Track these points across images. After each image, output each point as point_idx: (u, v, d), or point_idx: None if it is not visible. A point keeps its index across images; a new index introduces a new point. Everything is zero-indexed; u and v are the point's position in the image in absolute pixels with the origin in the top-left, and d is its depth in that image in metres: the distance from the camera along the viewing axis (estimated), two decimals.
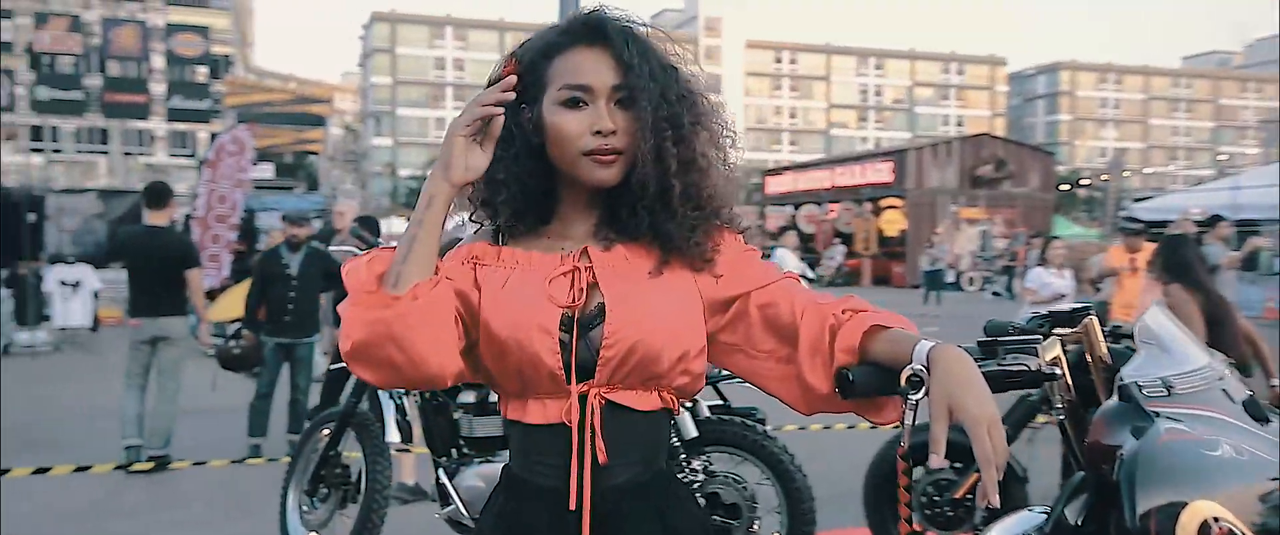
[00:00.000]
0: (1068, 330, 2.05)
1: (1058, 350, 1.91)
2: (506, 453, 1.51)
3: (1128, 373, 1.88)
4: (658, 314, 1.30)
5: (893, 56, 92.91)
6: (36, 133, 27.27)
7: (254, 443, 6.24)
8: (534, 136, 1.32)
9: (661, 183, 1.30)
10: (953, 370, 1.16)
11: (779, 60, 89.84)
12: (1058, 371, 1.50)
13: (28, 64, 22.43)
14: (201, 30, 23.02)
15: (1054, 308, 2.25)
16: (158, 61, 23.37)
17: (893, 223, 31.37)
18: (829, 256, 29.82)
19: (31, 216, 13.59)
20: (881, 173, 32.69)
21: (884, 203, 31.84)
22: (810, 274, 13.85)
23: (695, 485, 3.58)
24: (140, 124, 25.98)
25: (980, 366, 1.22)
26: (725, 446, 3.67)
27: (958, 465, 3.71)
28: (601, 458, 1.30)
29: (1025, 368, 1.35)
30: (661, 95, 1.30)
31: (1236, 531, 1.63)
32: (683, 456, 3.58)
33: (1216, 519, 1.62)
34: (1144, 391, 1.84)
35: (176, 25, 22.85)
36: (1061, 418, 2.05)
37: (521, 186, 1.34)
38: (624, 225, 1.35)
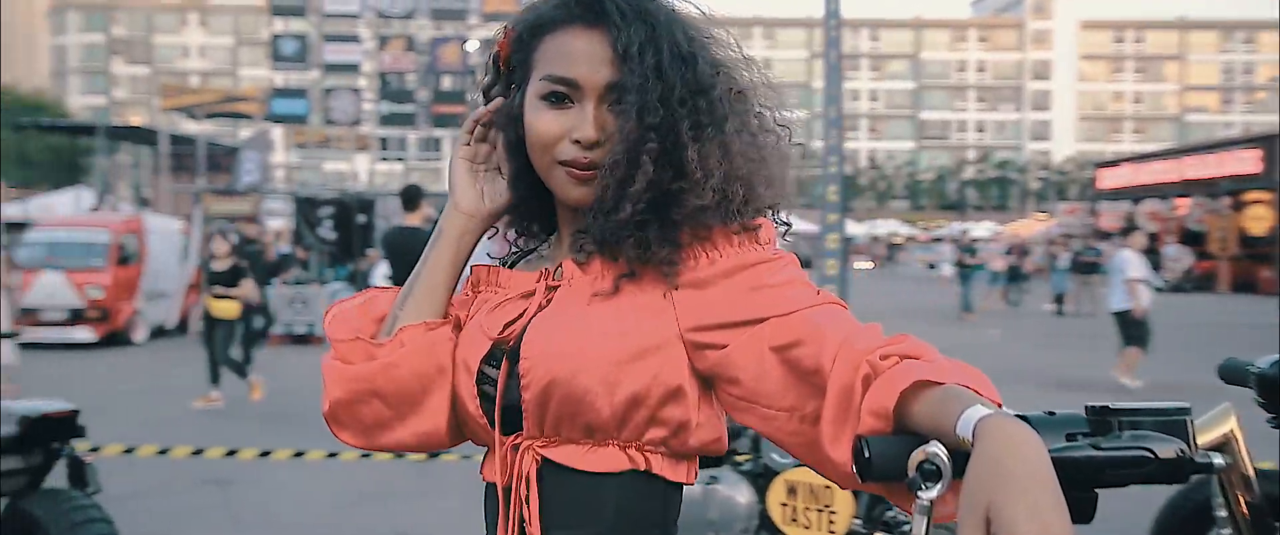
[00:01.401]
0: None
1: (1230, 425, 1.19)
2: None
3: None
4: (587, 344, 0.99)
5: (1267, 28, 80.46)
6: (386, 143, 31.10)
7: None
8: (515, 129, 1.09)
9: (618, 195, 1.01)
10: (1001, 458, 0.72)
11: (1120, 40, 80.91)
12: (1217, 461, 0.94)
13: (380, 83, 25.61)
14: None
15: None
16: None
17: (1259, 220, 26.97)
18: (1172, 258, 26.21)
19: (362, 218, 15.30)
20: (1245, 162, 28.28)
21: (1248, 196, 27.50)
22: (1158, 283, 12.09)
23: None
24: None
25: (1066, 450, 0.83)
26: None
27: None
28: (531, 530, 1.02)
29: (1146, 453, 0.86)
30: (661, 97, 1.01)
31: None
32: None
33: None
34: None
35: (490, 40, 24.92)
36: (1226, 532, 1.38)
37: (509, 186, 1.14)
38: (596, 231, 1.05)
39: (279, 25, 27.63)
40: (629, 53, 1.01)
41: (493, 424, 1.06)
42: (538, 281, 1.08)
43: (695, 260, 1.01)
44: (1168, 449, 0.88)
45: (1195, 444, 0.89)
